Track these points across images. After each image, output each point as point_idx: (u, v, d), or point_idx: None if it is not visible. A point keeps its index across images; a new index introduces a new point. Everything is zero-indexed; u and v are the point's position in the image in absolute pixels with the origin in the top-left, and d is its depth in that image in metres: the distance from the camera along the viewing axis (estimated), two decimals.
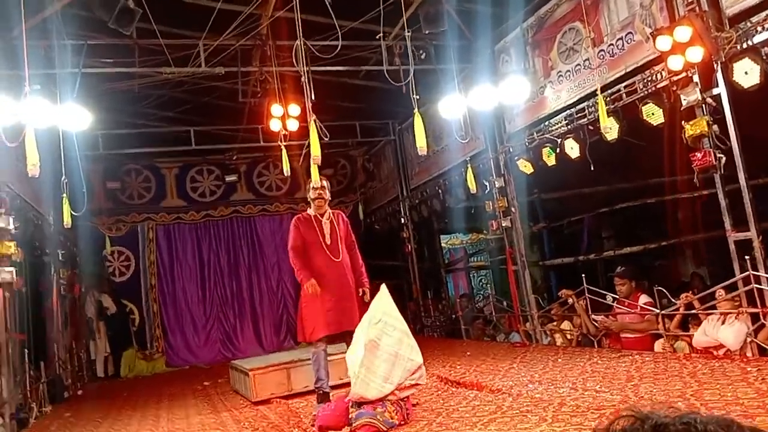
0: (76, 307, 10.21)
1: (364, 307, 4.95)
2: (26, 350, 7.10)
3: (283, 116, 8.17)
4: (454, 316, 10.52)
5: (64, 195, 6.66)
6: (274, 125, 8.30)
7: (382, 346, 4.47)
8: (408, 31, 6.19)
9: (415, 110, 5.66)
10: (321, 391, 5.27)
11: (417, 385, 4.58)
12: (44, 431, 6.43)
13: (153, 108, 10.64)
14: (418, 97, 5.78)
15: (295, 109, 8.17)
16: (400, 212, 11.65)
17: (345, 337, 5.26)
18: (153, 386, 9.41)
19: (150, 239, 12.00)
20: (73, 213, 6.75)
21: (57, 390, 8.23)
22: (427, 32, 7.20)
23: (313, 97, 6.32)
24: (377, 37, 7.54)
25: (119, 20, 6.17)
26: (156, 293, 11.86)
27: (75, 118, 6.59)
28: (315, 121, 5.64)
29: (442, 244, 12.85)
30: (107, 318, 11.11)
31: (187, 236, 12.28)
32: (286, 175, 8.31)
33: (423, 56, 8.25)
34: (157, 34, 7.26)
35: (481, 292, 13.55)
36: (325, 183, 5.57)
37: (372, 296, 5.01)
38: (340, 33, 6.00)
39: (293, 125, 8.31)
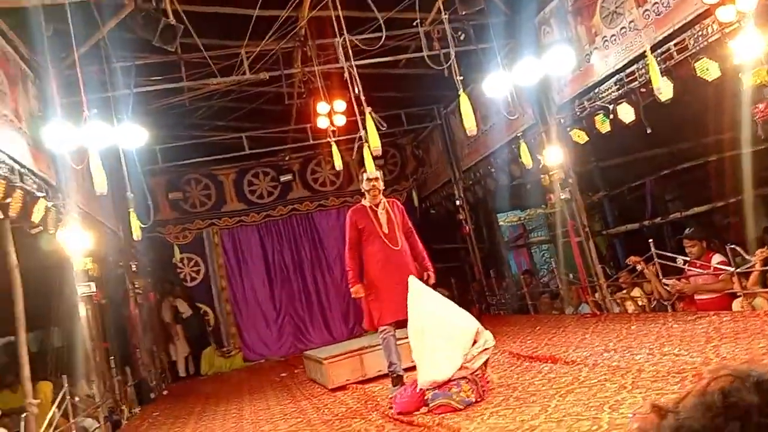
0: (153, 314, 10.73)
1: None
2: (111, 357, 7.53)
3: (329, 113, 8.31)
4: (519, 292, 10.48)
5: (131, 209, 7.01)
6: (322, 123, 8.46)
7: (427, 330, 4.60)
8: (445, 14, 6.16)
9: (460, 91, 5.66)
10: (395, 375, 5.38)
11: (486, 349, 4.63)
12: (136, 431, 6.81)
13: (204, 119, 11.00)
14: (462, 78, 5.75)
15: (340, 105, 8.30)
16: (454, 195, 11.65)
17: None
18: (233, 382, 9.81)
19: (216, 243, 12.44)
20: (141, 225, 7.09)
21: (144, 392, 8.73)
22: (464, 13, 7.16)
23: (358, 91, 6.42)
24: (414, 24, 7.53)
25: (163, 38, 6.40)
26: (227, 294, 12.31)
27: (132, 136, 6.91)
28: (371, 113, 5.71)
29: (500, 223, 12.76)
30: (183, 321, 11.61)
31: (251, 237, 12.67)
32: (338, 169, 8.47)
33: (462, 38, 8.21)
34: (200, 47, 7.51)
35: (545, 267, 13.40)
36: (378, 173, 5.66)
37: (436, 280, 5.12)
38: (383, 24, 6.02)
39: (340, 121, 8.45)
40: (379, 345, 5.66)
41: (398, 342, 5.47)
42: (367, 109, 5.96)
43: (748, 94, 5.11)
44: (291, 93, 9.67)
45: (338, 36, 6.76)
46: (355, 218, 5.47)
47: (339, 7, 6.59)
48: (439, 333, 4.54)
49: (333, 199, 13.06)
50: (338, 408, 5.57)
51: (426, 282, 5.44)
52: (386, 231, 5.41)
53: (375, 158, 7.09)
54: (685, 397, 0.72)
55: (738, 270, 5.65)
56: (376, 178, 5.52)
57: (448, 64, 6.53)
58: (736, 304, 5.77)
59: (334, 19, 6.27)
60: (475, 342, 4.58)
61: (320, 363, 6.82)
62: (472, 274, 11.96)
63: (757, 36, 5.03)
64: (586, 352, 5.35)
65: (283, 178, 12.70)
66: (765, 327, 4.67)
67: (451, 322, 4.64)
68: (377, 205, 5.48)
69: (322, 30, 7.94)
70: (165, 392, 9.66)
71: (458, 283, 11.49)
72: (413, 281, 4.94)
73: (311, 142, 11.07)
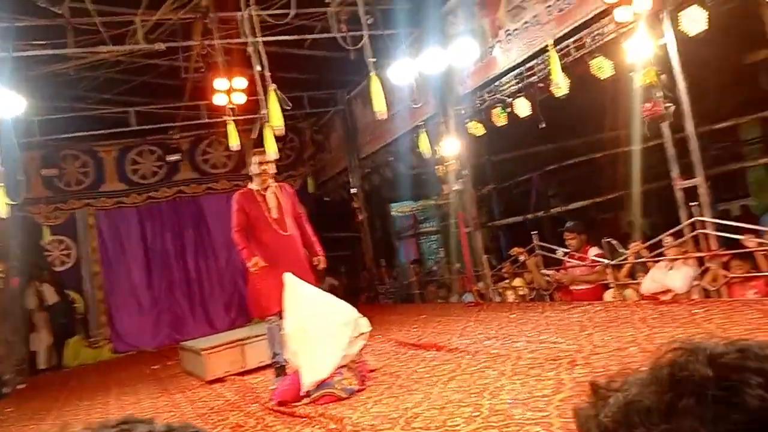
0: (15, 301, 9.77)
1: (318, 277, 4.88)
2: None
3: (228, 90, 7.90)
4: (406, 282, 10.57)
5: (0, 184, 6.31)
6: (220, 100, 8.03)
7: (308, 328, 4.47)
8: None
9: (372, 73, 5.51)
10: (278, 365, 5.19)
11: (362, 334, 4.56)
12: None
13: (90, 90, 10.17)
14: (374, 59, 5.60)
15: (241, 82, 7.91)
16: (349, 182, 11.54)
17: None
18: (99, 374, 9.16)
19: (90, 225, 11.58)
20: (10, 203, 6.40)
21: None
22: None
23: (264, 68, 6.11)
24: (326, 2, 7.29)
25: None
26: (100, 279, 11.47)
27: (8, 104, 6.21)
28: (276, 90, 5.44)
29: (393, 213, 12.83)
30: (48, 308, 10.70)
31: (130, 220, 11.90)
32: (234, 149, 8.08)
33: (370, 22, 8.07)
34: (90, 12, 6.87)
35: (432, 257, 13.64)
36: (270, 157, 5.39)
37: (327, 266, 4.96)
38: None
39: (239, 99, 8.06)
40: (263, 335, 5.42)
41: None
42: (272, 86, 5.68)
43: (638, 93, 5.33)
44: (187, 67, 9.11)
45: (243, 9, 6.38)
46: (242, 202, 5.20)
47: None
48: (320, 332, 4.41)
49: (224, 182, 12.48)
50: (215, 401, 5.28)
51: (316, 267, 5.28)
52: (275, 216, 5.19)
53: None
54: (627, 375, 0.67)
55: (613, 262, 5.92)
56: (268, 162, 5.26)
57: (359, 45, 6.35)
58: (609, 295, 6.06)
59: None
60: (353, 330, 4.48)
61: (198, 354, 6.46)
62: (363, 262, 11.92)
63: (648, 38, 5.26)
64: (469, 340, 5.41)
65: (170, 158, 12.01)
66: (633, 316, 4.91)
67: (331, 319, 4.52)
68: (266, 190, 5.23)
69: (226, 2, 7.52)
70: (22, 386, 8.84)
71: (348, 272, 11.41)
72: (289, 278, 4.74)
73: (205, 120, 10.54)
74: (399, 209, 13.05)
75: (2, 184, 6.35)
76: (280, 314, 5.15)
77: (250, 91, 7.78)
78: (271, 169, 5.26)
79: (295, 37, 8.32)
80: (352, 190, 11.31)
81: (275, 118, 6.23)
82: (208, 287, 12.05)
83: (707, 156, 5.51)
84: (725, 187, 9.32)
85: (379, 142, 10.61)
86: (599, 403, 0.66)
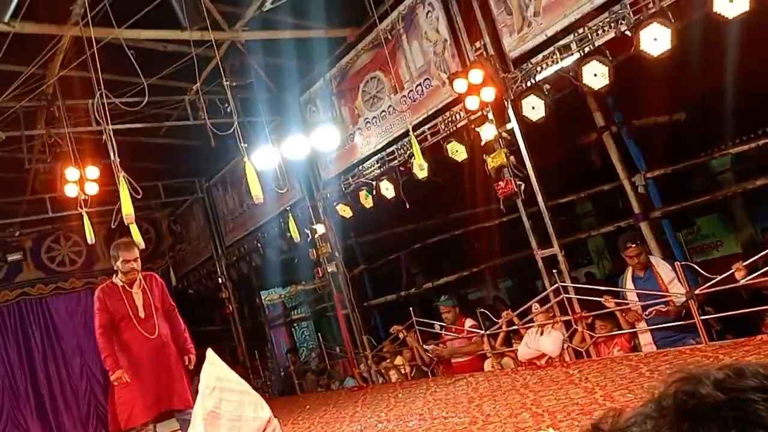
0: None
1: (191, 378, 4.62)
2: None
3: (80, 180, 7.42)
4: (283, 373, 10.23)
5: None
6: (71, 191, 7.50)
7: (223, 413, 4.19)
8: (226, 80, 6.07)
9: (245, 158, 5.51)
10: None
11: None
12: None
13: None
14: (246, 144, 5.63)
15: (93, 172, 7.49)
16: (216, 272, 11.15)
17: (173, 414, 4.82)
18: None
19: None
20: None
21: None
22: (233, 85, 7.11)
23: (116, 157, 5.87)
24: (193, 87, 7.25)
25: None
26: None
27: None
28: (124, 176, 5.23)
29: (263, 302, 12.52)
30: None
31: None
32: (90, 242, 7.55)
33: (228, 110, 8.13)
34: None
35: (305, 345, 13.40)
36: (137, 251, 5.05)
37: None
38: (146, 87, 5.65)
39: (93, 189, 7.59)
40: None
41: None
42: (121, 173, 5.46)
43: (491, 173, 5.82)
44: (31, 159, 8.48)
45: (95, 96, 6.15)
46: (103, 299, 4.83)
47: (98, 68, 6.01)
48: (232, 418, 4.13)
49: (73, 280, 11.51)
50: None
51: (187, 366, 4.98)
52: (142, 316, 4.84)
53: (126, 234, 6.46)
54: (620, 414, 0.68)
55: (487, 332, 6.21)
56: (135, 259, 4.91)
57: (228, 132, 6.33)
58: (488, 364, 6.31)
59: (94, 81, 5.68)
60: (264, 431, 4.25)
61: None
62: (235, 356, 11.39)
63: (493, 125, 5.83)
64: (360, 426, 5.32)
65: (11, 258, 10.88)
66: (516, 383, 5.14)
67: (246, 408, 4.26)
68: (132, 285, 4.90)
69: (74, 89, 7.20)
70: None
71: None
72: (211, 356, 4.44)
73: (50, 215, 9.78)
74: (267, 298, 12.77)
75: None
76: (151, 425, 4.79)
77: (103, 181, 7.40)
78: (138, 265, 4.95)
79: (151, 124, 8.14)
80: (220, 280, 10.93)
81: (125, 206, 5.94)
82: (61, 400, 10.78)
83: (556, 229, 6.09)
84: (568, 258, 10.29)
85: (243, 229, 10.45)
86: None
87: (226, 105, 8.02)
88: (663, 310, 4.70)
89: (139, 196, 6.03)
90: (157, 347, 4.85)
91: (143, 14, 5.86)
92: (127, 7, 5.80)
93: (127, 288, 4.86)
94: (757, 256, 4.56)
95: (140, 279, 4.95)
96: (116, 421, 4.79)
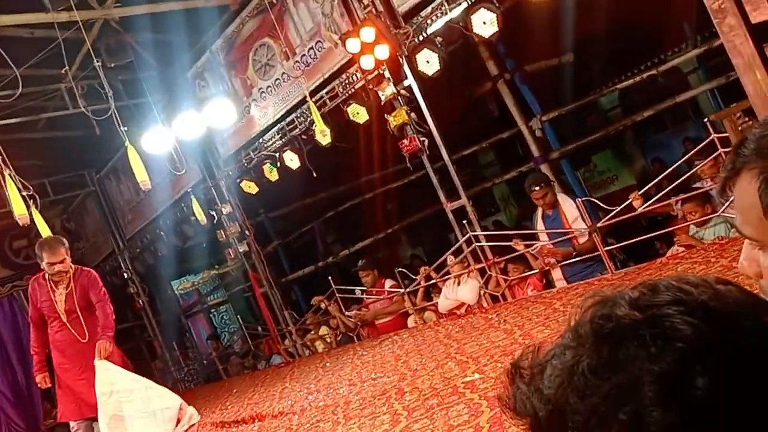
0: None
1: None
2: None
3: None
4: (206, 360, 9.96)
5: None
6: None
7: (126, 415, 4.05)
8: (97, 62, 5.62)
9: (127, 143, 5.17)
10: None
11: (192, 426, 4.22)
12: None
13: None
14: (126, 128, 5.26)
15: None
16: (120, 267, 10.58)
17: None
18: None
19: None
20: None
21: None
22: (111, 65, 6.63)
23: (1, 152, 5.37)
24: (63, 75, 6.69)
25: None
26: None
27: None
28: (11, 175, 4.78)
29: (175, 291, 12.06)
30: None
31: None
32: None
33: (111, 93, 7.60)
34: None
35: (226, 329, 13.09)
36: (63, 251, 4.59)
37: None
38: (19, 77, 5.15)
39: None
40: None
41: None
42: (6, 171, 5.00)
43: (394, 132, 5.77)
44: None
45: None
46: (32, 294, 4.60)
47: None
48: (141, 416, 3.95)
49: None
50: None
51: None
52: (64, 319, 4.54)
53: (17, 239, 5.98)
54: (537, 349, 0.64)
55: (407, 290, 6.26)
56: (62, 261, 4.49)
57: (104, 117, 5.92)
58: (411, 321, 6.38)
59: None
60: (179, 420, 4.10)
61: None
62: (152, 351, 10.95)
63: (390, 83, 5.77)
64: (291, 401, 5.25)
65: None
66: (439, 335, 5.23)
67: (152, 403, 4.08)
68: (57, 284, 4.55)
69: None
70: None
71: (138, 365, 10.36)
72: (100, 364, 4.20)
73: None
74: (180, 287, 12.30)
75: None
76: (85, 422, 4.57)
77: None
78: (68, 266, 4.57)
79: (28, 117, 7.51)
80: (125, 275, 10.38)
81: (17, 207, 5.48)
82: (9, 408, 10.02)
83: (462, 181, 6.16)
84: (476, 208, 10.56)
85: (144, 218, 9.94)
86: (529, 379, 0.65)
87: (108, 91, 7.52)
88: (570, 252, 4.88)
89: (31, 191, 5.61)
90: (85, 351, 4.57)
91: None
92: None
93: (53, 287, 4.51)
94: (649, 185, 4.81)
95: (70, 278, 4.59)
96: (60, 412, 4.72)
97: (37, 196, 5.68)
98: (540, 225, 5.30)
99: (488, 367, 3.67)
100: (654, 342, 0.58)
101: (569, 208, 5.12)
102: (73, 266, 4.66)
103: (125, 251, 10.52)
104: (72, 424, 4.59)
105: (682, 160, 4.95)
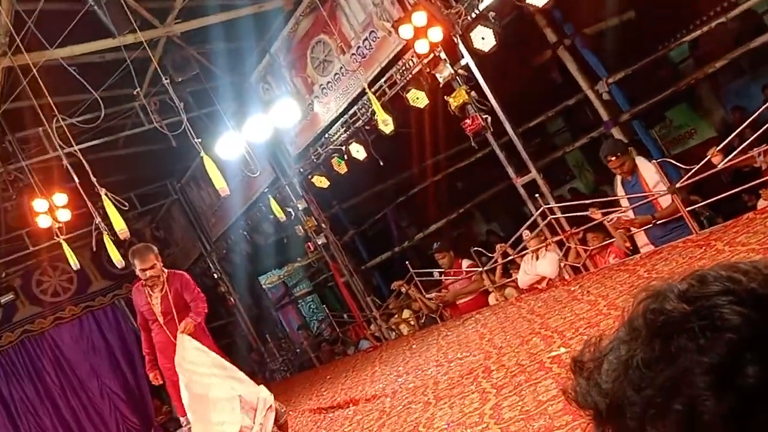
0: None
1: None
2: None
3: (50, 209, 7.31)
4: (299, 350, 10.33)
5: None
6: (44, 221, 7.39)
7: (207, 395, 4.30)
8: (166, 79, 5.91)
9: (202, 153, 5.42)
10: None
11: (270, 407, 4.42)
12: None
13: None
14: (200, 140, 5.53)
15: (61, 198, 7.37)
16: (209, 268, 11.12)
17: None
18: None
19: None
20: None
21: None
22: (180, 80, 6.95)
23: (90, 175, 5.77)
24: (135, 93, 7.09)
25: None
26: None
27: None
28: (107, 194, 5.16)
29: (263, 286, 12.56)
30: None
31: None
32: (75, 269, 7.50)
33: (183, 106, 7.97)
34: None
35: (314, 318, 13.51)
36: (152, 257, 4.79)
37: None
38: (100, 100, 5.51)
39: (65, 215, 7.49)
40: None
41: None
42: (102, 191, 5.38)
43: (455, 113, 5.77)
44: None
45: (45, 122, 6.01)
46: (134, 301, 4.95)
47: (33, 94, 5.84)
48: (222, 396, 4.20)
49: (71, 307, 11.43)
50: None
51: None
52: (161, 321, 4.85)
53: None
54: (598, 341, 0.68)
55: (485, 268, 6.28)
56: (152, 266, 4.71)
57: (179, 131, 6.22)
58: (492, 299, 6.40)
59: (38, 107, 5.55)
60: (255, 403, 4.32)
61: None
62: (248, 345, 11.48)
63: (447, 64, 5.76)
64: (381, 384, 5.41)
65: (3, 299, 10.77)
66: (521, 311, 5.23)
67: (234, 386, 4.33)
68: (153, 289, 4.85)
69: (21, 119, 7.03)
70: None
71: (234, 359, 10.89)
72: (181, 340, 4.44)
73: (30, 249, 9.65)
74: (267, 281, 12.79)
75: None
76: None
77: (74, 204, 7.30)
78: (157, 271, 4.78)
79: (109, 138, 7.99)
80: (215, 275, 10.91)
81: (116, 222, 5.85)
82: (89, 425, 10.87)
83: (529, 153, 6.07)
84: (550, 177, 10.36)
85: (226, 220, 10.38)
86: (590, 373, 0.68)
87: (181, 102, 7.88)
88: (649, 219, 4.75)
89: (126, 207, 5.96)
90: None
91: (72, 30, 5.67)
92: (52, 27, 5.60)
93: (150, 292, 4.84)
94: (730, 137, 4.60)
95: (164, 282, 4.85)
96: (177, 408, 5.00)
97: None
98: (620, 192, 5.15)
99: (574, 341, 3.66)
100: (703, 333, 0.60)
101: (648, 172, 4.96)
102: (165, 270, 4.89)
103: (212, 253, 11.03)
104: (182, 420, 4.91)
105: (765, 107, 4.68)
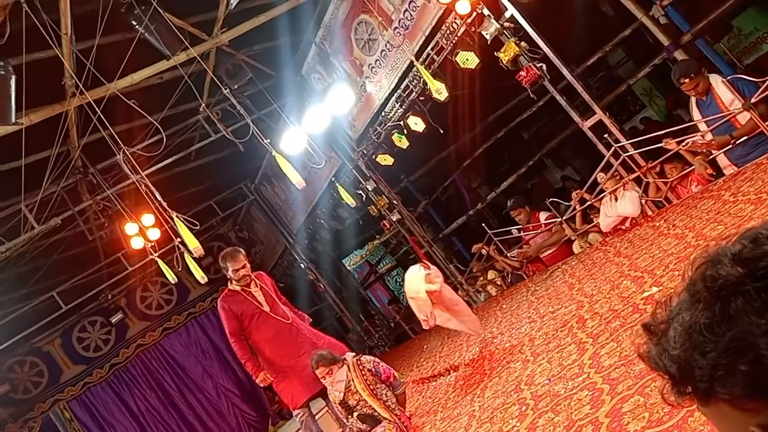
0: None
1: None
2: None
3: (140, 231, 7.78)
4: (392, 323, 10.55)
5: None
6: (137, 243, 7.89)
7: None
8: (225, 89, 6.13)
9: (273, 153, 5.60)
10: None
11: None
12: None
13: (4, 294, 9.74)
14: (269, 140, 5.72)
15: (148, 219, 7.82)
16: (295, 260, 11.49)
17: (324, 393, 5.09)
18: None
19: (68, 419, 10.96)
20: None
21: None
22: (236, 87, 7.17)
23: (159, 198, 6.10)
24: (201, 108, 7.40)
25: None
26: None
27: None
28: (177, 216, 5.46)
29: (348, 268, 12.86)
30: None
31: (105, 396, 11.33)
32: (173, 282, 7.96)
33: (243, 111, 8.22)
34: None
35: (403, 290, 13.69)
36: (242, 257, 5.14)
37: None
38: (159, 126, 5.81)
39: (155, 234, 7.95)
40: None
41: (317, 416, 5.19)
42: (173, 213, 5.69)
43: (508, 67, 5.66)
44: (90, 228, 8.95)
45: (117, 153, 6.39)
46: (228, 307, 5.07)
47: (107, 125, 6.21)
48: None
49: (176, 317, 12.17)
50: None
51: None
52: (267, 308, 5.09)
53: (203, 258, 6.79)
54: (667, 304, 0.72)
55: (564, 218, 6.19)
56: (244, 266, 5.05)
57: (248, 136, 6.45)
58: (576, 247, 6.31)
59: (107, 138, 5.90)
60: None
61: None
62: (343, 326, 11.84)
63: (492, 18, 5.64)
64: (478, 347, 5.48)
65: (114, 319, 11.60)
66: (608, 254, 5.14)
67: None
68: (249, 285, 5.13)
69: (98, 153, 7.49)
70: None
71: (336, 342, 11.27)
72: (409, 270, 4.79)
73: (130, 269, 10.28)
74: (351, 262, 13.07)
75: None
76: (306, 404, 5.12)
77: (161, 222, 7.74)
78: (249, 269, 5.10)
79: (181, 154, 8.36)
80: (302, 265, 11.27)
81: (190, 241, 6.16)
82: (211, 423, 11.62)
83: (592, 93, 5.89)
84: (619, 110, 9.97)
85: (303, 212, 10.65)
86: (658, 339, 0.71)
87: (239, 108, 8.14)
88: (727, 140, 4.53)
89: (197, 226, 6.26)
90: (294, 331, 5.11)
91: (130, 59, 5.96)
92: (110, 60, 5.90)
93: (246, 289, 5.08)
94: None
95: (254, 279, 5.15)
96: (287, 405, 5.24)
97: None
98: (696, 114, 4.93)
99: (665, 278, 3.60)
100: (759, 296, 0.62)
101: (722, 89, 4.72)
102: (251, 272, 5.18)
103: (296, 245, 11.38)
104: (296, 412, 5.13)
105: None
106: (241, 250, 5.36)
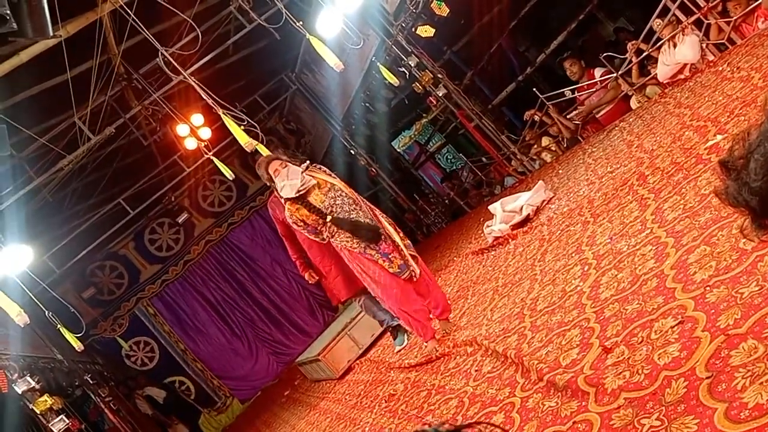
0: (137, 414, 10.18)
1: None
2: None
3: (192, 131, 7.91)
4: (447, 200, 10.62)
5: (59, 326, 6.48)
6: (190, 144, 8.05)
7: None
8: None
9: (307, 35, 5.45)
10: (390, 327, 5.31)
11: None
12: None
13: (75, 205, 10.26)
14: (301, 22, 5.54)
15: (198, 119, 7.92)
16: (345, 147, 11.51)
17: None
18: (243, 427, 9.55)
19: (153, 314, 11.89)
20: (76, 335, 6.59)
21: None
22: None
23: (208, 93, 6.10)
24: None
25: None
26: (191, 354, 11.87)
27: (18, 257, 6.30)
28: (224, 113, 5.48)
29: (398, 150, 12.83)
30: (164, 406, 11.06)
31: (184, 290, 12.17)
32: (231, 179, 8.16)
33: None
34: (33, 136, 6.92)
35: (454, 167, 13.68)
36: (278, 163, 5.09)
37: None
38: (193, 23, 5.69)
39: (206, 133, 8.08)
40: (359, 314, 5.52)
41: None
42: (220, 111, 5.69)
43: None
44: (144, 134, 9.15)
45: (157, 54, 6.35)
46: (273, 212, 5.16)
47: (143, 28, 6.12)
48: None
49: (239, 212, 12.64)
50: (357, 388, 5.49)
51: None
52: None
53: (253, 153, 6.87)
54: (742, 140, 0.68)
55: (620, 72, 5.89)
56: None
57: (281, 22, 6.26)
58: (634, 102, 6.04)
59: (147, 37, 5.84)
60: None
61: (317, 361, 6.70)
62: (400, 207, 12.01)
63: None
64: (548, 215, 5.44)
65: (180, 219, 12.15)
66: (668, 106, 4.91)
67: None
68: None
69: (139, 58, 7.48)
70: None
71: (394, 223, 11.51)
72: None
73: (188, 170, 10.57)
74: (401, 144, 13.03)
75: (60, 325, 6.51)
76: (356, 295, 5.24)
77: (212, 120, 7.80)
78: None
79: (218, 50, 8.26)
80: (352, 152, 11.30)
81: (240, 137, 6.17)
82: (285, 306, 12.39)
83: None
84: None
85: (346, 97, 10.49)
86: (738, 174, 0.68)
87: None
88: None
89: (245, 122, 6.27)
90: None
91: None
92: None
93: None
94: None
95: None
96: (334, 296, 5.38)
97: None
98: None
99: (730, 124, 3.43)
100: None
101: None
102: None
103: (343, 131, 11.35)
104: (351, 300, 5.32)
105: None
106: (278, 155, 5.20)
